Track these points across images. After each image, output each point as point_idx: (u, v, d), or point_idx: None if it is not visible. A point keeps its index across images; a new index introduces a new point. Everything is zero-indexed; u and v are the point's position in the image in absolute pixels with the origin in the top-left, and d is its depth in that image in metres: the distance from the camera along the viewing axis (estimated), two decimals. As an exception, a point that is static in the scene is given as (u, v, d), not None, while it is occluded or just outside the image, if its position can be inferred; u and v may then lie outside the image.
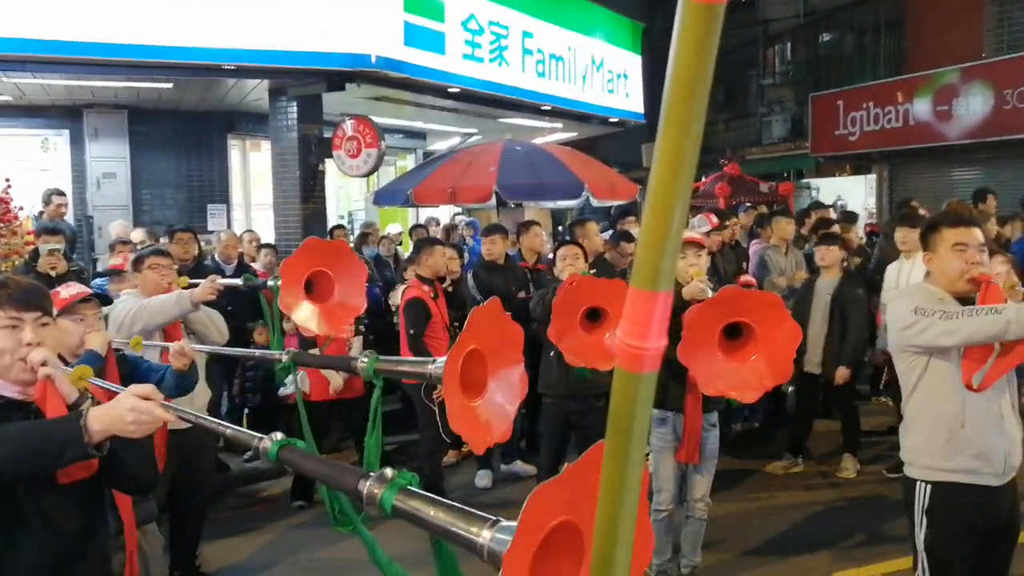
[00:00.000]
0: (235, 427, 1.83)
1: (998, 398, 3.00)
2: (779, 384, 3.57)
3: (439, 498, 1.28)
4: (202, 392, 5.18)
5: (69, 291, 3.27)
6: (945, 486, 3.04)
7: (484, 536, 1.14)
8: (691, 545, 4.60)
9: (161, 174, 11.39)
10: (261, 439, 1.62)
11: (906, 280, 6.12)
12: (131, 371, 3.42)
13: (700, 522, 4.56)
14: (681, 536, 4.63)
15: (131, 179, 11.15)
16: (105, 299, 3.35)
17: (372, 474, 1.34)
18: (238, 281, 4.65)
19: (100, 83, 9.24)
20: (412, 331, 5.79)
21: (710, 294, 4.06)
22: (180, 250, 7.18)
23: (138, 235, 8.60)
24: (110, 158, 11.01)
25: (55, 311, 3.09)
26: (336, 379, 6.32)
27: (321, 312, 3.35)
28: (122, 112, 10.93)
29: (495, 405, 1.87)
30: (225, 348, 4.18)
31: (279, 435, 1.61)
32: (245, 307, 6.71)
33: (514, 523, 1.07)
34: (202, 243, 8.53)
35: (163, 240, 8.04)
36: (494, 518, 1.17)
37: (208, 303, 6.36)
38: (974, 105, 13.73)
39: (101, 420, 1.94)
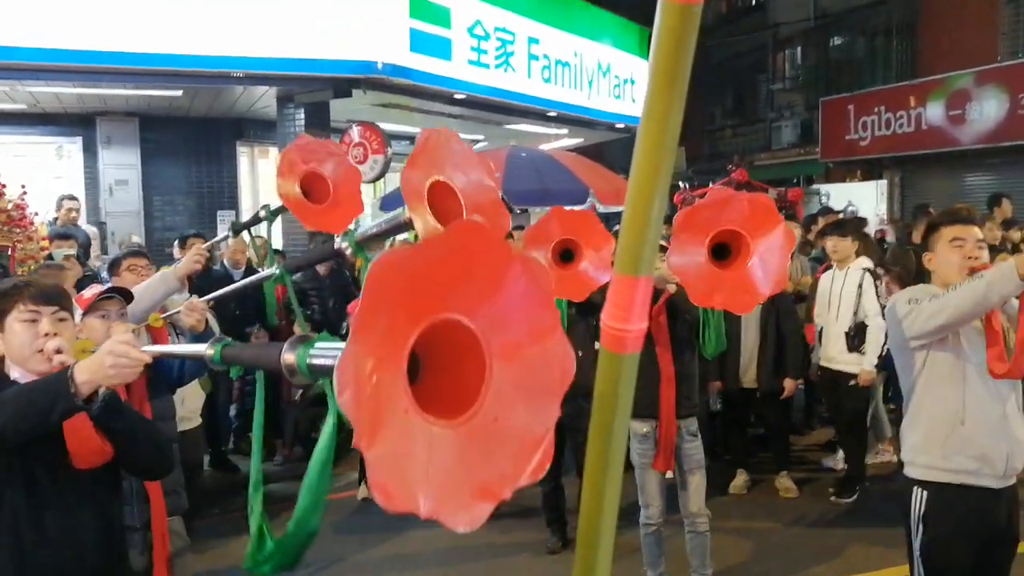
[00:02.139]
0: (184, 346, 1.86)
1: (1003, 398, 2.93)
2: (777, 292, 3.40)
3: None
4: (194, 394, 5.22)
5: (92, 291, 3.28)
6: (942, 488, 2.97)
7: None
8: (700, 558, 4.47)
9: (172, 181, 11.55)
10: (206, 347, 1.66)
11: (839, 289, 5.94)
12: (155, 365, 3.44)
13: (703, 536, 4.45)
14: (688, 550, 4.52)
15: (143, 186, 11.31)
16: (128, 295, 3.38)
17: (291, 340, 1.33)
18: (225, 233, 4.39)
19: (111, 91, 9.39)
20: None
21: (676, 281, 3.98)
22: (195, 256, 7.25)
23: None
24: (122, 165, 11.16)
25: (81, 311, 3.15)
26: None
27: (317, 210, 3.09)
28: (133, 120, 11.07)
29: None
30: (226, 291, 3.88)
31: (227, 339, 1.67)
32: (252, 311, 6.79)
33: None
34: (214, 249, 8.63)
35: (175, 246, 8.12)
36: None
37: (217, 310, 6.48)
38: (988, 109, 13.62)
39: (85, 370, 2.00)
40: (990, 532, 3.00)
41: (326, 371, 1.21)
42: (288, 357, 1.31)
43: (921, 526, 3.02)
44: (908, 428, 3.13)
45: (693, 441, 4.40)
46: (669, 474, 4.48)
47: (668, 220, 13.72)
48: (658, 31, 0.76)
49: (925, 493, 3.01)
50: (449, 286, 0.94)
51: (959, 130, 14.18)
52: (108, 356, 1.95)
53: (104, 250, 10.69)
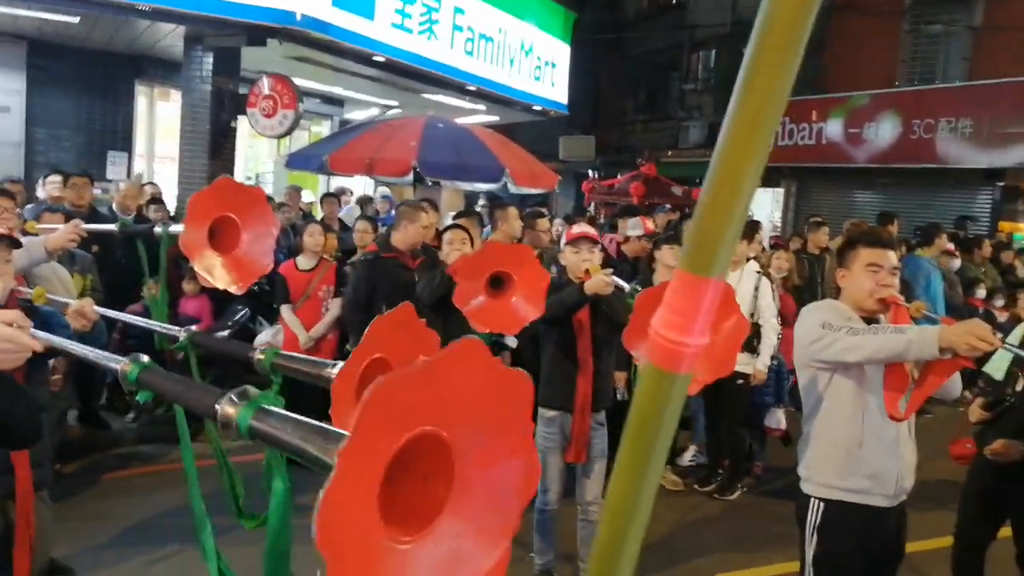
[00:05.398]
0: (96, 351, 1.67)
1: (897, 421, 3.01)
2: (721, 377, 3.46)
3: (299, 417, 1.15)
4: None
5: None
6: (838, 504, 3.08)
7: (336, 450, 1.00)
8: (588, 548, 4.48)
9: (60, 113, 10.83)
10: (120, 362, 1.48)
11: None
12: (41, 326, 3.09)
13: (595, 524, 4.47)
14: (578, 540, 4.55)
15: (26, 115, 10.56)
16: (16, 242, 3.01)
17: (231, 392, 1.22)
18: (112, 227, 4.18)
19: (-2, 8, 8.63)
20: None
21: (624, 285, 4.04)
22: (75, 195, 6.79)
23: None
24: (3, 91, 10.42)
25: None
26: (303, 335, 6.10)
27: (226, 263, 3.08)
28: (21, 43, 10.32)
29: None
30: (126, 315, 3.72)
31: (144, 357, 1.49)
32: (137, 262, 6.38)
33: None
34: (98, 191, 8.09)
35: (41, 183, 7.57)
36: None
37: (102, 256, 6.05)
38: (883, 131, 14.22)
39: None
40: (879, 546, 3.12)
41: (272, 442, 1.15)
42: (227, 411, 1.20)
43: (816, 537, 3.13)
44: (807, 445, 3.21)
45: (599, 431, 4.42)
46: None
47: (581, 212, 13.65)
48: None
49: (822, 506, 3.12)
50: (439, 402, 0.93)
51: (855, 148, 14.77)
52: None
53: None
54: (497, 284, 3.89)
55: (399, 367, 1.63)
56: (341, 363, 1.63)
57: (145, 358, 1.49)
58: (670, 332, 0.69)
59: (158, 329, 2.61)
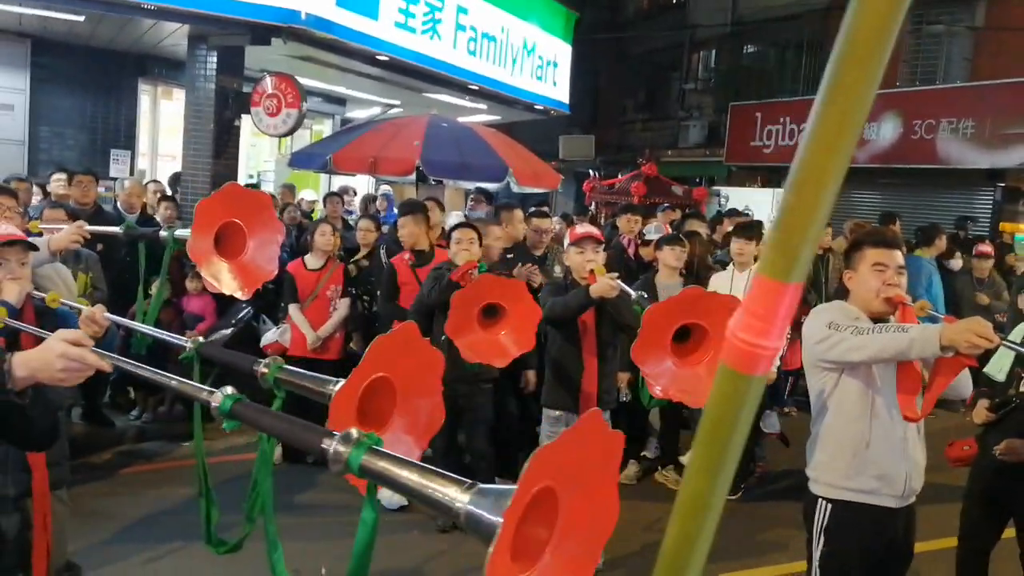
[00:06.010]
0: (180, 379, 1.68)
1: (904, 422, 3.02)
2: None
3: (409, 459, 1.22)
4: None
5: None
6: (845, 505, 3.08)
7: (462, 499, 1.10)
8: None
9: (63, 112, 10.83)
10: (211, 392, 1.51)
11: (740, 290, 5.84)
12: (55, 329, 3.10)
13: None
14: None
15: (29, 113, 10.55)
16: (32, 246, 3.04)
17: (337, 433, 1.27)
18: (116, 229, 4.15)
19: (2, 6, 8.62)
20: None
21: (630, 292, 4.04)
22: (79, 193, 6.82)
23: None
24: (7, 89, 10.40)
25: None
26: (311, 334, 6.12)
27: (232, 268, 3.10)
28: (25, 41, 10.32)
29: (397, 443, 1.68)
30: (134, 323, 3.63)
31: (230, 389, 1.51)
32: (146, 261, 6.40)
33: (491, 486, 1.09)
34: (101, 188, 8.10)
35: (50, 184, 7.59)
36: (469, 481, 1.13)
37: (107, 254, 6.06)
38: (884, 131, 14.19)
39: (26, 366, 1.77)
40: (887, 548, 3.12)
41: (386, 482, 1.23)
42: (338, 450, 1.25)
43: (823, 538, 3.13)
44: (815, 445, 3.21)
45: None
46: None
47: (582, 212, 13.58)
48: None
49: (829, 507, 3.12)
50: (560, 461, 1.09)
51: (856, 148, 14.64)
52: (59, 359, 1.74)
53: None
54: (490, 313, 3.94)
55: (401, 386, 1.66)
56: (343, 381, 1.64)
57: (231, 390, 1.52)
58: (748, 335, 0.71)
59: (165, 338, 2.61)
